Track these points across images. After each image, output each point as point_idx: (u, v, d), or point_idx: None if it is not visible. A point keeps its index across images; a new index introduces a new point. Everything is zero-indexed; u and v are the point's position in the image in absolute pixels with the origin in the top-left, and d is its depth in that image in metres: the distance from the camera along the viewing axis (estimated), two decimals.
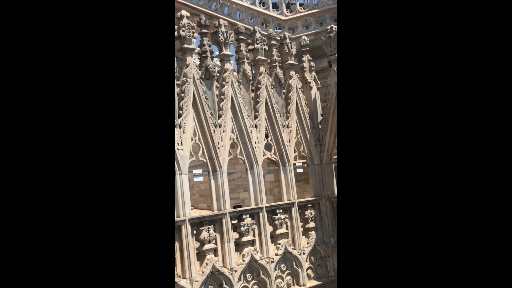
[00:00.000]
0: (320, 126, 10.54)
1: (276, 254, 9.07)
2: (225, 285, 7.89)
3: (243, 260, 8.55)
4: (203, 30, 8.67)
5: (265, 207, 9.12)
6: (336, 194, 10.30)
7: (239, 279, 8.20)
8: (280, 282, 9.13)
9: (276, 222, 9.27)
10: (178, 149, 7.59)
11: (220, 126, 8.50)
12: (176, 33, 7.82)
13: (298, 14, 14.91)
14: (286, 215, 9.50)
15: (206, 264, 7.71)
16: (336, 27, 10.42)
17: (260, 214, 9.02)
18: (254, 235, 8.88)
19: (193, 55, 9.34)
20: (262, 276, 8.81)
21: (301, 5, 15.17)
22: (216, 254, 7.99)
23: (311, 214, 9.96)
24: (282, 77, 10.28)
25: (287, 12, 15.06)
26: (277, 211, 9.34)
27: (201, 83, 8.19)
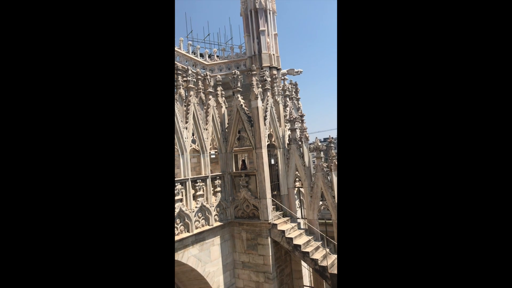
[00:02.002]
0: (226, 130, 11.66)
1: (196, 207, 9.99)
2: None
3: (175, 211, 9.23)
4: None
5: (190, 178, 9.98)
6: (234, 170, 11.57)
7: None
8: (197, 223, 10.09)
9: (197, 187, 10.22)
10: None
11: None
12: None
13: (215, 62, 15.79)
14: (203, 183, 10.49)
15: None
16: (238, 71, 12.12)
17: (187, 182, 9.84)
18: (182, 195, 9.67)
19: None
20: (187, 220, 9.67)
21: (217, 56, 16.22)
22: None
23: (219, 183, 11.12)
24: (204, 99, 11.37)
25: (209, 60, 15.84)
26: (198, 181, 10.30)
27: None
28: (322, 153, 11.86)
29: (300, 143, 12.01)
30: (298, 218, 12.23)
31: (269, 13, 15.14)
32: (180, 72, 10.61)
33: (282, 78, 15.79)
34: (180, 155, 10.05)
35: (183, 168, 10.05)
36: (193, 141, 10.95)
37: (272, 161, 12.35)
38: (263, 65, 14.66)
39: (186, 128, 10.24)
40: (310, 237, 11.09)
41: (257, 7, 14.90)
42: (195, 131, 10.68)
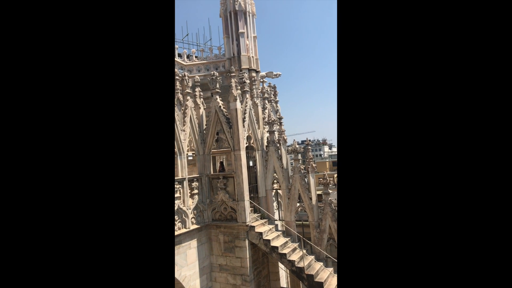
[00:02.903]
0: (204, 132, 11.46)
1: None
2: None
3: None
4: None
5: None
6: (211, 172, 11.43)
7: None
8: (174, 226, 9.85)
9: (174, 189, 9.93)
10: None
11: None
12: None
13: (194, 62, 15.51)
14: (180, 186, 10.28)
15: None
16: (217, 73, 12.00)
17: None
18: None
19: None
20: None
21: (196, 57, 15.88)
22: None
23: (196, 185, 10.92)
24: (182, 99, 11.09)
25: (187, 60, 15.57)
26: (175, 183, 9.96)
27: None
28: (299, 155, 11.99)
29: (278, 145, 12.08)
30: (276, 220, 12.27)
31: (249, 15, 15.16)
32: None
33: (261, 80, 15.85)
34: None
35: None
36: None
37: (251, 163, 12.33)
38: (242, 67, 14.64)
39: None
40: (287, 239, 11.15)
41: (237, 9, 14.88)
42: None
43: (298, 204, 11.64)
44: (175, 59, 15.07)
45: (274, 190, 12.76)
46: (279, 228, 12.05)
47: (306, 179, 11.48)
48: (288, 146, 12.80)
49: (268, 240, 10.49)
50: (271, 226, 11.34)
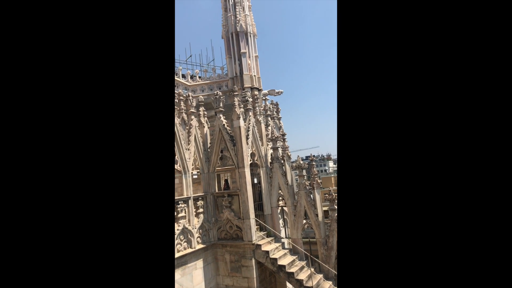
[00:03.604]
0: (208, 150, 11.53)
1: (178, 229, 9.66)
2: None
3: None
4: None
5: None
6: (216, 191, 11.41)
7: None
8: (179, 246, 9.70)
9: (179, 209, 9.90)
10: None
11: None
12: None
13: (198, 83, 15.83)
14: (185, 205, 10.22)
15: None
16: (220, 92, 12.20)
17: None
18: None
19: None
20: None
21: (199, 77, 16.28)
22: None
23: (201, 203, 10.86)
24: (186, 119, 11.32)
25: (191, 81, 15.86)
26: (179, 202, 10.00)
27: None
28: (304, 171, 11.94)
29: (282, 161, 12.07)
30: (282, 238, 12.07)
31: (250, 36, 15.57)
32: None
33: (264, 98, 16.05)
34: None
35: None
36: (175, 162, 10.73)
37: (255, 180, 12.29)
38: (244, 86, 14.88)
39: None
40: (294, 257, 10.93)
41: (238, 30, 15.30)
42: (177, 151, 10.52)
43: (304, 221, 11.47)
44: (180, 79, 15.39)
45: (280, 207, 12.63)
46: (286, 246, 11.83)
47: (311, 195, 11.37)
48: (293, 162, 12.79)
49: (275, 259, 10.29)
50: (277, 244, 11.15)
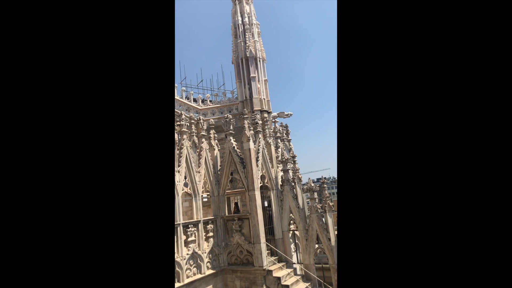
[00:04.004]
0: (218, 172, 11.54)
1: (187, 254, 9.50)
2: None
3: None
4: None
5: (182, 223, 9.60)
6: (226, 214, 11.30)
7: None
8: (189, 272, 9.48)
9: (188, 233, 9.81)
10: None
11: None
12: None
13: (208, 106, 16.20)
14: (195, 228, 10.09)
15: None
16: (230, 115, 12.41)
17: (178, 228, 9.45)
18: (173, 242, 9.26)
19: None
20: (177, 269, 9.07)
21: (210, 101, 16.68)
22: None
23: (211, 227, 10.70)
24: (197, 142, 11.44)
25: (202, 105, 16.20)
26: (189, 226, 9.90)
27: None
28: (315, 194, 11.73)
29: (293, 184, 11.92)
30: (294, 263, 11.67)
31: (259, 60, 15.96)
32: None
33: (273, 120, 16.17)
34: None
35: (175, 213, 9.69)
36: (185, 185, 10.72)
37: (266, 204, 12.12)
38: (254, 108, 15.06)
39: (179, 172, 10.15)
40: (307, 284, 10.49)
41: (248, 55, 15.74)
42: (187, 174, 10.56)
43: (316, 246, 11.11)
44: (191, 103, 15.70)
45: (291, 231, 12.32)
46: (298, 272, 11.40)
47: (323, 219, 11.08)
48: (303, 184, 12.61)
49: (287, 286, 9.90)
50: (289, 270, 10.76)
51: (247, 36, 15.93)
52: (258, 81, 15.70)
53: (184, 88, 16.44)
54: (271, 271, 10.22)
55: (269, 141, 13.00)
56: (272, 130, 14.53)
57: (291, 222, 12.03)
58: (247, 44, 15.80)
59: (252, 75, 15.59)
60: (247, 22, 15.83)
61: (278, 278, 10.05)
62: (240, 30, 16.07)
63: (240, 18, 15.97)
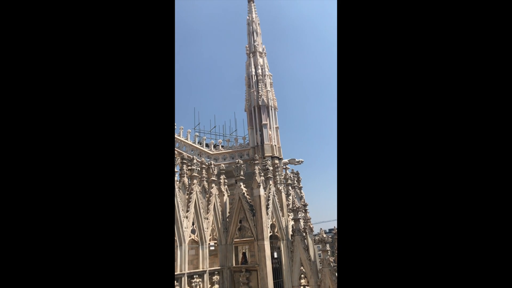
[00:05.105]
0: (227, 219, 11.26)
1: None
2: None
3: None
4: None
5: (186, 273, 9.24)
6: (233, 265, 10.75)
7: None
8: None
9: (193, 284, 9.33)
10: None
11: None
12: None
13: (220, 151, 16.36)
14: (200, 279, 9.59)
15: None
16: (241, 160, 12.44)
17: (183, 278, 9.06)
18: None
19: None
20: None
21: (222, 146, 16.81)
22: None
23: (217, 279, 10.13)
24: (207, 187, 11.32)
25: (214, 150, 16.38)
26: (194, 276, 9.45)
27: None
28: (327, 245, 11.11)
29: (304, 234, 11.39)
30: None
31: (271, 109, 16.45)
32: (185, 161, 10.94)
33: (284, 167, 16.09)
34: (178, 246, 9.53)
35: (180, 262, 9.41)
36: (193, 231, 10.42)
37: (275, 255, 11.50)
38: (265, 155, 15.13)
39: (187, 217, 9.97)
40: None
41: (260, 104, 16.29)
42: (195, 220, 10.34)
43: None
44: (203, 148, 15.97)
45: (302, 287, 11.45)
46: None
47: (336, 273, 10.33)
48: (315, 235, 12.05)
49: None
50: None
51: (260, 86, 16.65)
52: (270, 128, 16.01)
53: (197, 134, 16.88)
54: None
55: (280, 188, 12.79)
56: (283, 177, 14.38)
57: (302, 276, 11.25)
58: (260, 94, 16.44)
59: (264, 122, 15.95)
60: (260, 73, 16.66)
61: None
62: (254, 80, 16.87)
63: (253, 70, 16.85)
